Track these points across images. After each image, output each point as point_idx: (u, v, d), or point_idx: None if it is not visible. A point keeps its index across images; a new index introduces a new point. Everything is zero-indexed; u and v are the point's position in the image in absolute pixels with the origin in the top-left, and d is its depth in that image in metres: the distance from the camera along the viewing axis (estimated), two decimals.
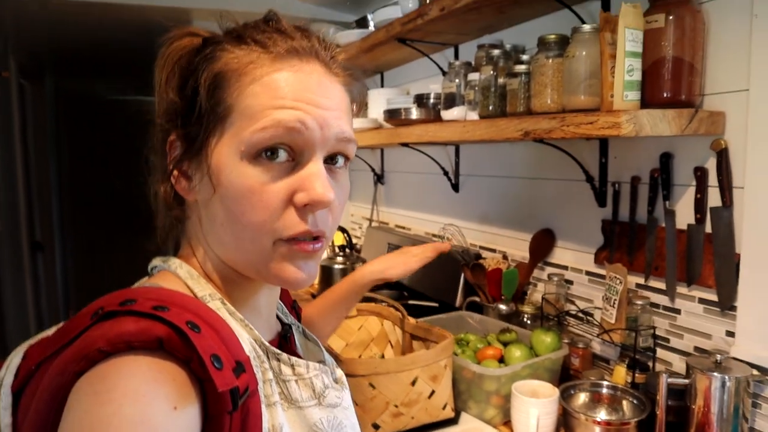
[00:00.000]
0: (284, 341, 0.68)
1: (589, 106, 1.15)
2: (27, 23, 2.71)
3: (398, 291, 2.24)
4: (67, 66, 3.86)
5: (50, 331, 0.53)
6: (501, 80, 1.45)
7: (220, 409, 0.46)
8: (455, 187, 2.09)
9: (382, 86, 2.62)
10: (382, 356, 1.57)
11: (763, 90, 1.05)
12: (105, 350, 0.44)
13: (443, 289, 1.96)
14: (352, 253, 2.39)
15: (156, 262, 0.61)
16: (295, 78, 0.54)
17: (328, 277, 2.34)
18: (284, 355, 0.58)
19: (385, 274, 1.09)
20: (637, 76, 1.07)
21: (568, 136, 1.10)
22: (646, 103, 1.11)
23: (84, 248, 4.56)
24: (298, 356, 0.64)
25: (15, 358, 0.51)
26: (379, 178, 2.71)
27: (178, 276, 0.58)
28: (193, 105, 0.55)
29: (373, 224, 2.80)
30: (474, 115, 1.54)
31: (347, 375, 1.15)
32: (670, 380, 1.09)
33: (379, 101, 2.16)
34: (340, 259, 2.35)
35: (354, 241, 2.88)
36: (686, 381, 1.10)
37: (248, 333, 0.57)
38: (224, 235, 0.56)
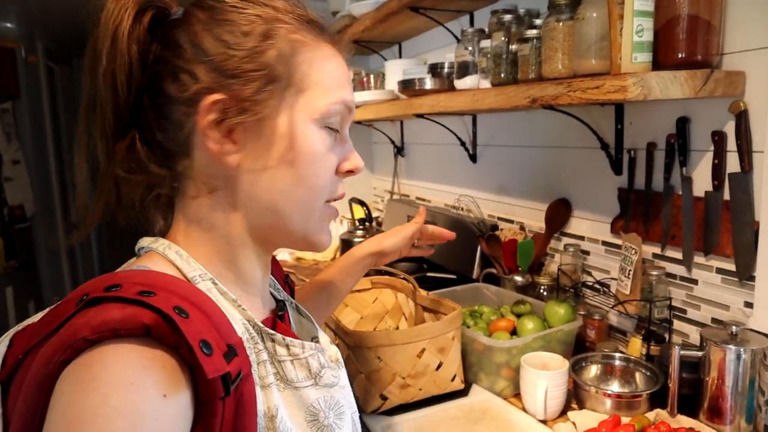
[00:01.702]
0: (278, 319, 0.66)
1: (600, 70, 1.10)
2: (53, 7, 2.76)
3: (418, 263, 2.23)
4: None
5: (35, 318, 0.52)
6: (513, 46, 1.41)
7: (212, 395, 0.45)
8: (473, 158, 2.06)
9: (401, 57, 2.58)
10: (397, 328, 1.58)
11: None
12: (90, 338, 0.43)
13: (461, 261, 1.95)
14: (371, 226, 2.39)
15: (144, 242, 0.60)
16: (343, 64, 0.61)
17: (347, 250, 2.35)
18: (278, 336, 0.57)
19: (381, 245, 1.07)
20: (647, 36, 1.02)
21: (575, 102, 1.06)
22: (658, 64, 1.05)
23: (119, 228, 4.68)
24: (293, 334, 0.62)
25: (0, 347, 0.51)
26: (399, 151, 2.69)
27: (167, 257, 0.56)
28: (257, 65, 0.54)
29: (394, 197, 2.79)
30: (486, 84, 1.50)
31: (354, 347, 1.17)
32: (683, 352, 1.06)
33: (396, 72, 2.12)
34: (360, 232, 2.36)
35: (376, 214, 2.88)
36: (699, 353, 1.07)
37: (241, 314, 0.56)
38: (282, 199, 0.57)
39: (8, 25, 2.70)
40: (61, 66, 3.71)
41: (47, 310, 0.51)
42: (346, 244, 2.36)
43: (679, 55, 1.04)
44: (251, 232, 0.59)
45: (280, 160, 0.56)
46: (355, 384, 1.18)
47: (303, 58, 0.56)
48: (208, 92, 0.53)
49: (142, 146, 0.56)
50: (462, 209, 1.95)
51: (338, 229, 2.81)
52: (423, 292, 1.40)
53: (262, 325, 0.57)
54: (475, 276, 1.85)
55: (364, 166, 0.63)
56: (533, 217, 1.74)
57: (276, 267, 0.79)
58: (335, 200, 0.63)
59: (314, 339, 0.69)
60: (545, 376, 1.14)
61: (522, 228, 1.79)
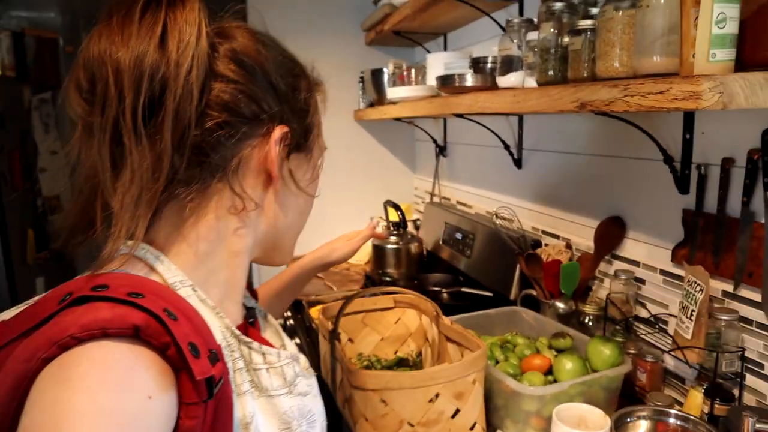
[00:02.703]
0: (250, 326, 0.67)
1: (666, 70, 0.89)
2: None
3: (453, 276, 2.06)
4: None
5: (7, 315, 0.50)
6: (563, 39, 1.21)
7: (196, 397, 0.46)
8: (517, 163, 1.85)
9: (446, 49, 2.39)
10: (419, 354, 1.42)
11: None
12: (78, 336, 0.42)
13: (499, 278, 1.76)
14: (405, 232, 2.23)
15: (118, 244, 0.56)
16: None
17: (380, 258, 2.20)
18: (255, 344, 0.58)
19: (330, 257, 1.13)
20: (731, 28, 0.81)
21: (633, 109, 0.86)
22: (744, 64, 0.84)
23: None
24: (268, 342, 0.64)
25: None
26: (441, 151, 2.51)
27: (147, 261, 0.55)
28: (306, 103, 0.65)
29: (435, 199, 2.61)
30: (532, 82, 1.31)
31: (355, 388, 1.02)
32: (759, 426, 0.85)
33: (438, 66, 1.94)
34: (393, 238, 2.20)
35: (415, 216, 2.72)
36: None
37: (219, 321, 0.56)
38: (296, 220, 0.66)
39: (51, 14, 2.69)
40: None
41: (20, 307, 0.50)
42: (378, 251, 2.21)
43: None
44: (254, 247, 0.63)
45: (306, 189, 0.65)
46: (356, 429, 1.03)
47: (318, 104, 0.67)
48: (278, 122, 0.59)
49: (187, 161, 0.55)
50: (503, 219, 1.75)
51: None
52: (447, 321, 1.23)
53: (239, 333, 0.58)
54: (512, 297, 1.66)
55: None
56: (582, 234, 1.53)
57: None
58: None
59: (281, 347, 0.70)
60: None
61: (568, 246, 1.58)
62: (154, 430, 0.43)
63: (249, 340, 0.58)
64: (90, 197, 0.55)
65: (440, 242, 2.24)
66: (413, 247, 2.22)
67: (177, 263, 0.56)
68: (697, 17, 0.80)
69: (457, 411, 1.03)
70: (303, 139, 0.63)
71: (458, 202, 2.39)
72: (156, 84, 0.50)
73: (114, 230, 0.50)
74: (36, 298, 0.50)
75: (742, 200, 1.02)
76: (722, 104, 0.75)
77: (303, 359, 0.67)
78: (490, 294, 1.77)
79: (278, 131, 0.59)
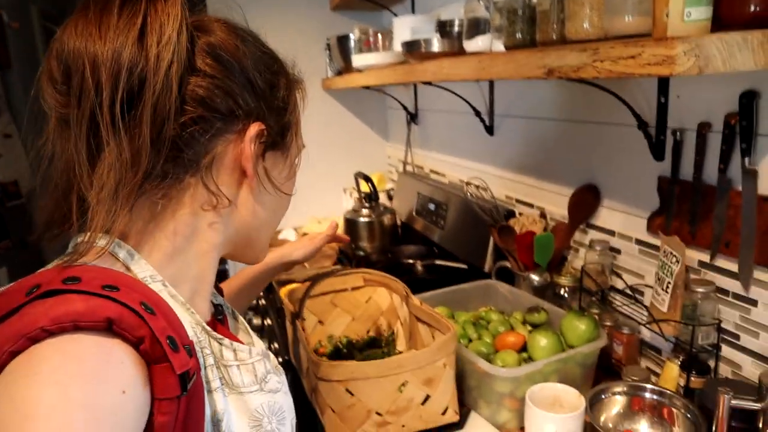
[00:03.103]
0: (219, 322, 0.66)
1: (639, 31, 0.83)
2: None
3: (428, 247, 2.01)
4: None
5: None
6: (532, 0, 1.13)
7: (170, 393, 0.45)
8: (489, 130, 1.79)
9: (413, 12, 2.29)
10: (392, 333, 1.37)
11: None
12: (49, 329, 0.41)
13: (472, 250, 1.71)
14: (378, 204, 2.16)
15: (86, 237, 0.54)
16: None
17: (352, 231, 2.14)
18: (226, 340, 0.58)
19: (292, 256, 1.12)
20: None
21: (603, 75, 0.80)
22: (721, 22, 0.77)
23: None
24: (236, 338, 0.65)
25: None
26: (413, 118, 2.43)
27: (116, 255, 0.53)
28: (286, 100, 0.64)
29: (408, 168, 2.54)
30: (500, 45, 1.23)
31: (321, 379, 0.97)
32: (734, 403, 0.83)
33: (404, 31, 1.85)
34: (365, 211, 2.14)
35: (389, 185, 2.65)
36: (756, 405, 0.83)
37: (190, 317, 0.56)
38: (269, 217, 0.65)
39: None
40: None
41: None
42: (351, 224, 2.16)
43: (752, 8, 0.75)
44: (226, 244, 0.62)
45: (281, 187, 0.64)
46: (324, 419, 0.99)
47: (297, 102, 0.66)
48: (254, 119, 0.58)
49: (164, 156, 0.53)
50: (476, 188, 1.70)
51: (345, 202, 2.60)
52: (416, 301, 1.18)
53: (209, 329, 0.57)
54: (487, 269, 1.62)
55: None
56: (556, 202, 1.48)
57: None
58: None
59: (248, 344, 0.66)
60: (555, 420, 0.92)
61: (542, 215, 1.54)
62: (127, 425, 0.42)
63: (220, 336, 0.57)
64: (66, 190, 0.54)
65: (413, 213, 2.19)
66: (386, 219, 2.16)
67: (148, 258, 0.55)
68: None
69: (428, 397, 0.99)
70: (280, 137, 0.62)
71: (431, 171, 2.33)
72: (134, 78, 0.50)
73: (90, 224, 0.50)
74: (2, 291, 0.48)
75: (719, 167, 0.97)
76: (698, 68, 0.69)
77: (272, 356, 0.66)
78: (465, 266, 1.73)
79: (254, 128, 0.58)
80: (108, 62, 0.49)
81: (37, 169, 0.56)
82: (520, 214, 1.61)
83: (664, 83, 1.06)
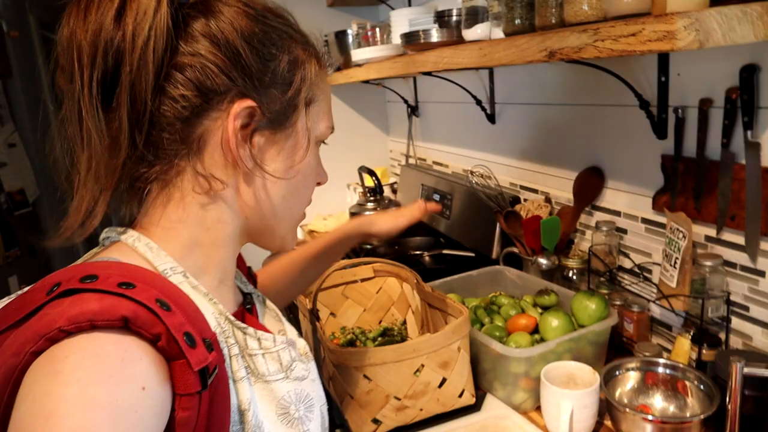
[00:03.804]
0: (247, 312, 0.65)
1: (638, 10, 0.84)
2: None
3: (434, 237, 2.03)
4: None
5: None
6: None
7: (190, 388, 0.45)
8: (491, 118, 1.80)
9: (410, 4, 2.30)
10: (404, 322, 1.39)
11: None
12: (66, 329, 0.41)
13: (479, 238, 1.73)
14: (382, 197, 2.18)
15: (110, 232, 0.57)
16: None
17: None
18: (250, 329, 0.57)
19: (372, 227, 1.09)
20: None
21: (604, 55, 0.81)
22: None
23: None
24: (263, 327, 0.64)
25: None
26: (413, 110, 2.44)
27: (136, 249, 0.54)
28: (287, 78, 0.58)
29: (410, 161, 2.56)
30: (499, 33, 1.25)
31: (339, 366, 0.99)
32: (747, 371, 0.84)
33: (402, 23, 1.86)
34: (370, 205, 2.16)
35: (392, 179, 2.67)
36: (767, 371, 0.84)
37: (213, 307, 0.55)
38: (281, 205, 0.61)
39: None
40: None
41: (10, 298, 0.49)
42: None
43: None
44: (240, 231, 0.61)
45: (286, 172, 0.60)
46: (343, 406, 1.01)
47: (316, 82, 0.61)
48: (240, 96, 0.55)
49: (145, 137, 0.53)
50: (480, 177, 1.71)
51: (350, 197, 2.62)
52: (427, 288, 1.20)
53: (234, 318, 0.57)
54: (494, 255, 1.63)
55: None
56: (560, 186, 1.50)
57: (239, 259, 0.76)
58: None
59: (280, 331, 0.68)
60: (571, 396, 0.94)
61: (548, 200, 1.55)
62: (148, 422, 0.42)
63: (243, 325, 0.57)
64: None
65: None
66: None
67: (167, 250, 0.55)
68: None
69: (444, 380, 1.01)
70: (279, 118, 0.57)
71: (434, 162, 2.34)
72: (110, 58, 0.49)
73: (74, 204, 0.51)
74: (26, 289, 0.49)
75: (722, 142, 0.99)
76: (698, 43, 0.70)
77: (302, 344, 0.66)
78: (472, 254, 1.75)
79: (238, 105, 0.54)
80: (88, 44, 0.49)
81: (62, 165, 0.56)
82: (525, 200, 1.63)
83: (664, 62, 1.07)
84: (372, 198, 2.17)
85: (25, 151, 2.69)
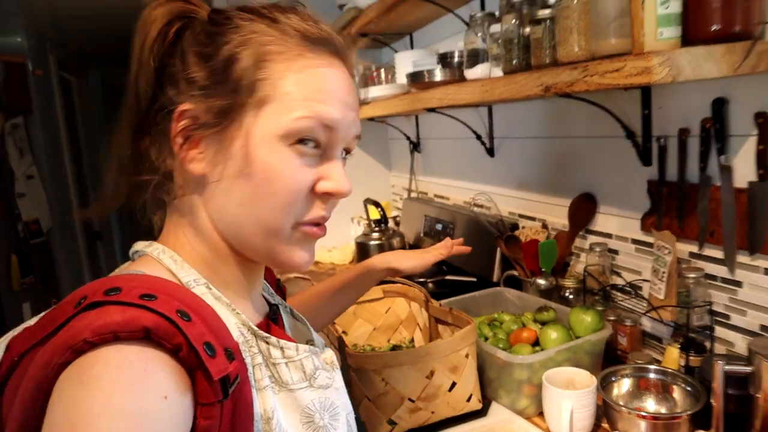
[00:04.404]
0: (272, 322, 0.66)
1: (621, 50, 0.97)
2: (65, 19, 2.73)
3: (437, 266, 2.12)
4: (109, 58, 3.92)
5: (32, 322, 0.52)
6: (525, 29, 1.28)
7: (211, 398, 0.46)
8: (490, 152, 1.93)
9: (412, 48, 2.46)
10: (412, 340, 1.47)
11: None
12: (91, 341, 0.43)
13: (481, 263, 1.83)
14: (387, 228, 2.29)
15: (138, 246, 0.60)
16: (333, 77, 0.57)
17: (363, 254, 2.25)
18: (273, 338, 0.58)
19: (400, 264, 1.10)
20: (674, 7, 0.88)
21: (593, 88, 0.93)
22: (689, 39, 0.92)
23: (141, 235, 4.67)
24: (287, 337, 0.64)
25: None
26: (415, 147, 2.58)
27: (161, 261, 0.57)
28: (222, 78, 0.54)
29: (412, 194, 2.68)
30: (498, 72, 1.38)
31: (357, 369, 1.07)
32: (727, 368, 0.93)
33: (406, 64, 2.01)
34: (375, 234, 2.26)
35: (394, 213, 2.78)
36: (747, 368, 0.93)
37: (235, 317, 0.57)
38: (242, 214, 0.56)
39: (17, 39, 2.68)
40: (78, 78, 3.70)
41: (43, 313, 0.51)
42: (362, 248, 2.27)
43: (713, 27, 0.90)
44: (225, 241, 0.59)
45: (237, 174, 0.55)
46: (360, 409, 1.08)
47: (272, 71, 0.55)
48: (182, 101, 0.55)
49: (151, 148, 0.58)
50: (480, 207, 1.83)
51: (354, 230, 2.72)
52: (435, 303, 1.29)
53: (256, 328, 0.58)
54: (495, 279, 1.73)
55: (349, 189, 0.59)
56: (556, 213, 1.61)
57: (267, 271, 0.79)
58: (310, 224, 0.59)
59: (309, 341, 0.70)
60: (570, 396, 1.02)
61: (544, 226, 1.66)
62: (170, 430, 0.43)
63: (266, 335, 0.58)
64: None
65: (421, 235, 2.31)
66: (395, 241, 2.28)
67: (190, 262, 0.58)
68: (644, 0, 0.87)
69: (454, 384, 1.09)
70: (221, 117, 0.54)
71: (435, 196, 2.46)
72: (132, 65, 0.57)
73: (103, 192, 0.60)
74: (57, 304, 0.51)
75: (700, 166, 1.10)
76: (671, 77, 0.83)
77: (329, 353, 0.65)
78: (474, 279, 1.84)
79: (178, 110, 0.55)
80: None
81: None
82: (523, 227, 1.74)
83: (646, 96, 1.20)
84: (377, 229, 2.27)
85: (41, 183, 2.81)
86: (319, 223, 0.59)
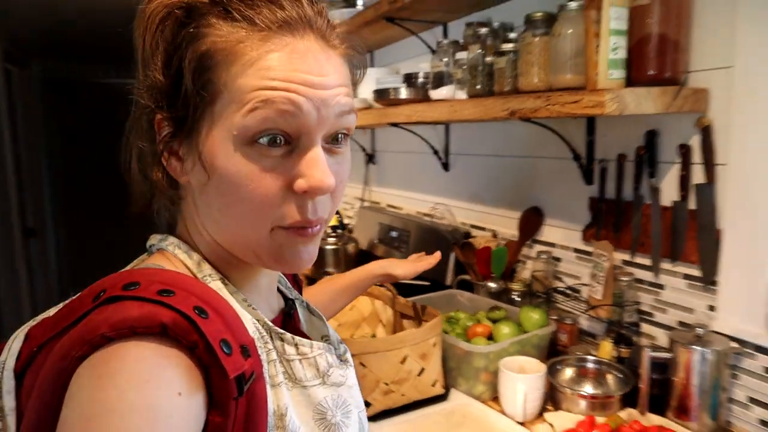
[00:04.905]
0: (288, 317, 0.66)
1: (576, 85, 1.15)
2: (11, 9, 2.67)
3: None
4: (53, 50, 3.81)
5: (51, 312, 0.52)
6: (488, 59, 1.45)
7: (226, 395, 0.46)
8: (445, 166, 2.09)
9: (372, 65, 2.60)
10: (374, 336, 1.59)
11: (747, 67, 1.05)
12: (108, 335, 0.43)
13: (434, 268, 1.97)
14: (344, 234, 2.40)
15: (154, 239, 0.60)
16: (288, 58, 0.50)
17: (319, 258, 2.35)
18: (288, 335, 0.58)
19: (396, 270, 1.18)
20: (621, 54, 1.07)
21: (554, 115, 1.10)
22: (631, 80, 1.11)
23: (77, 233, 4.53)
24: (303, 333, 0.65)
25: (16, 341, 0.50)
26: (371, 158, 2.71)
27: (177, 256, 0.57)
28: (179, 85, 0.51)
29: (365, 204, 2.81)
30: (462, 94, 1.54)
31: None
32: (652, 354, 1.12)
33: (368, 81, 2.15)
34: (332, 240, 2.37)
35: (346, 221, 2.89)
36: (668, 355, 1.12)
37: (251, 313, 0.56)
38: (221, 220, 0.54)
39: None
40: (19, 68, 3.58)
41: (62, 304, 0.51)
42: (318, 252, 2.36)
43: (650, 72, 1.10)
44: (225, 247, 0.57)
45: (207, 181, 0.52)
46: None
47: (222, 70, 0.50)
48: (158, 110, 0.53)
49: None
50: (436, 216, 1.98)
51: None
52: (402, 299, 1.42)
53: (271, 324, 0.57)
54: (448, 282, 1.88)
55: (328, 184, 0.51)
56: (506, 225, 1.79)
57: None
58: (293, 226, 0.53)
59: (324, 337, 0.70)
60: (524, 380, 1.18)
61: (494, 235, 1.83)
62: (183, 427, 0.43)
63: (281, 331, 0.58)
64: None
65: (375, 241, 2.44)
66: (350, 247, 2.39)
67: (207, 257, 0.58)
68: (598, 45, 1.06)
69: (422, 370, 1.22)
70: (185, 123, 0.52)
71: (388, 205, 2.60)
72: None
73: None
74: (76, 295, 0.51)
75: (634, 187, 1.30)
76: (619, 110, 1.01)
77: (344, 349, 0.66)
78: (428, 283, 1.99)
79: (156, 119, 0.53)
80: None
81: None
82: (474, 236, 1.91)
83: (591, 125, 1.40)
84: (334, 234, 2.38)
85: None
86: (304, 227, 0.53)
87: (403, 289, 2.05)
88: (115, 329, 0.43)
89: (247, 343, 0.49)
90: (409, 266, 1.21)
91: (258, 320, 0.57)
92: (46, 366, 0.45)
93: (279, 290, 0.69)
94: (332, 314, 1.15)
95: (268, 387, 0.52)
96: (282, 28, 0.50)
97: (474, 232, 1.94)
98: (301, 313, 0.71)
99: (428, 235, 2.06)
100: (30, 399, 0.46)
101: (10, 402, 0.48)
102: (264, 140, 0.50)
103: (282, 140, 0.51)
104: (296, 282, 0.80)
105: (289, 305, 0.68)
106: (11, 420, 0.48)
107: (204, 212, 0.56)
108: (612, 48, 1.05)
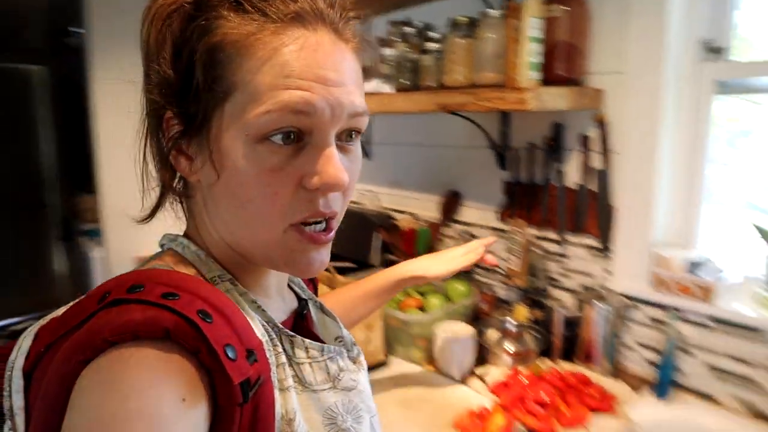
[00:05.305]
0: (300, 318, 0.64)
1: (497, 82, 1.32)
2: None
3: None
4: None
5: (60, 311, 0.51)
6: (414, 56, 1.59)
7: (230, 401, 0.45)
8: (367, 155, 2.22)
9: None
10: None
11: (634, 72, 1.27)
12: (110, 340, 0.42)
13: (359, 249, 2.10)
14: None
15: (165, 239, 0.59)
16: (301, 53, 0.49)
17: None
18: (298, 338, 0.56)
19: (426, 272, 1.09)
20: (538, 59, 1.25)
21: (482, 110, 1.26)
22: (545, 80, 1.29)
23: (24, 231, 4.05)
24: (315, 334, 0.64)
25: (26, 340, 0.49)
26: None
27: (186, 257, 0.56)
28: (189, 81, 0.49)
29: None
30: (388, 88, 1.67)
31: None
32: (564, 313, 1.33)
33: None
34: None
35: None
36: (577, 314, 1.34)
37: (260, 315, 0.55)
38: (231, 220, 0.53)
39: None
40: None
41: (71, 303, 0.50)
42: None
43: (560, 74, 1.29)
44: (233, 247, 0.56)
45: (217, 180, 0.51)
46: None
47: (233, 62, 0.48)
48: (167, 108, 0.52)
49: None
50: (357, 203, 2.10)
51: None
52: (341, 278, 1.53)
53: (281, 326, 0.56)
54: (375, 262, 2.01)
55: (341, 180, 0.50)
56: (426, 208, 1.95)
57: None
58: (310, 223, 0.52)
59: (338, 339, 0.68)
60: (458, 342, 1.34)
61: (416, 218, 1.99)
62: None
63: (292, 333, 0.56)
64: None
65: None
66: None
67: (217, 257, 0.56)
68: (517, 50, 1.23)
69: (369, 340, 1.34)
70: (195, 121, 0.51)
71: None
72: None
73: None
74: (84, 295, 0.49)
75: (543, 172, 1.51)
76: (539, 107, 1.18)
77: (357, 351, 0.65)
78: (354, 265, 2.11)
79: (165, 118, 0.52)
80: None
81: None
82: (396, 219, 2.05)
83: (506, 118, 1.59)
84: None
85: None
86: (316, 222, 0.52)
87: (328, 270, 2.16)
88: (118, 333, 0.42)
89: (255, 346, 0.48)
90: (444, 266, 1.11)
91: (268, 322, 0.55)
92: (51, 367, 0.44)
93: (292, 289, 0.67)
94: (353, 323, 1.05)
95: (276, 391, 0.51)
96: (294, 21, 0.49)
97: (395, 215, 2.09)
98: (314, 313, 0.69)
99: (352, 219, 2.17)
100: (37, 399, 0.45)
101: (18, 401, 0.47)
102: (277, 138, 0.49)
103: (294, 136, 0.50)
104: (311, 281, 0.77)
105: (301, 305, 0.66)
106: (20, 420, 0.47)
107: (214, 212, 0.55)
108: (530, 53, 1.23)
